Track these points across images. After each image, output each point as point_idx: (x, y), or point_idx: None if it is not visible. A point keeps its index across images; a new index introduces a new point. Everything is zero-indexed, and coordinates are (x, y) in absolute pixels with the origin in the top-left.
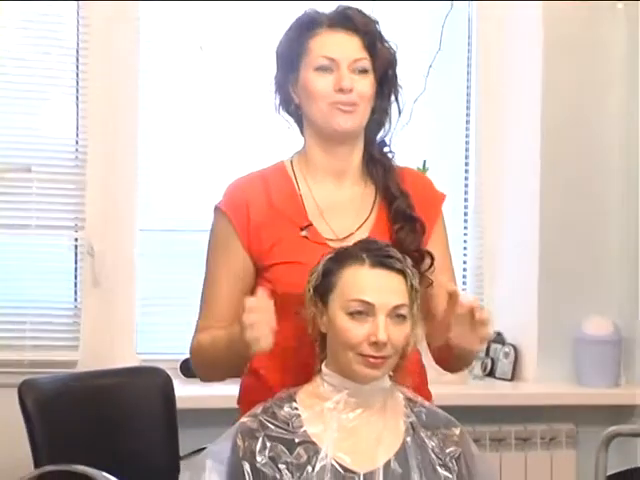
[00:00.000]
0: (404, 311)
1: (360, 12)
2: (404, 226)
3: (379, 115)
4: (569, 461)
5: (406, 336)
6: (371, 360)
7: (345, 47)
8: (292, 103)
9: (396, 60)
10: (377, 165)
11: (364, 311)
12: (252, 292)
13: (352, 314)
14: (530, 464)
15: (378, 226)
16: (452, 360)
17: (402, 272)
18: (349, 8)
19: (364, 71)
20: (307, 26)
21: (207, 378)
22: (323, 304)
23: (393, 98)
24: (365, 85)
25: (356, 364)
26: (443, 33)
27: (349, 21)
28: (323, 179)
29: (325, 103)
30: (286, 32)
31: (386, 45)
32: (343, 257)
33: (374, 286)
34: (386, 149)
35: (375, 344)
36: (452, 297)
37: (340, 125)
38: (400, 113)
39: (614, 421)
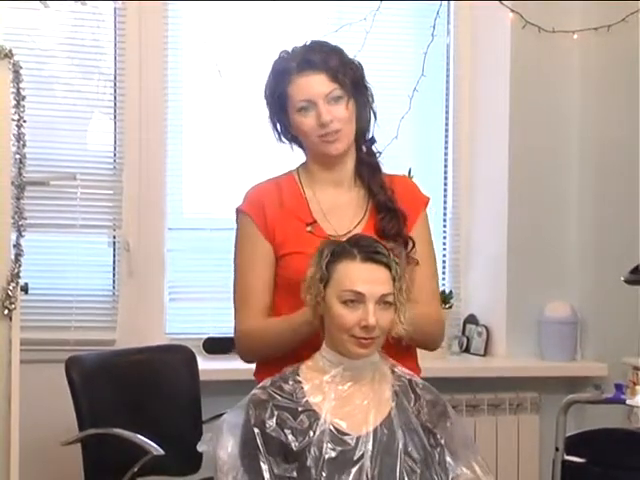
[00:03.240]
0: (390, 299)
1: (321, 49)
2: (386, 215)
3: (362, 123)
4: (533, 424)
5: (391, 320)
6: (362, 341)
7: (315, 86)
8: (289, 134)
9: (362, 74)
10: (365, 165)
11: (356, 300)
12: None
13: (346, 302)
14: (500, 427)
15: (370, 224)
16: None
17: (388, 265)
18: (311, 50)
19: (337, 98)
20: (282, 74)
21: (253, 359)
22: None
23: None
24: (341, 110)
25: (349, 344)
26: (425, 61)
27: (312, 63)
28: (324, 186)
29: (314, 137)
30: (267, 80)
31: (349, 67)
32: (337, 252)
33: (364, 278)
34: (373, 147)
35: (365, 327)
36: None
37: (331, 152)
38: (375, 116)
39: (572, 390)
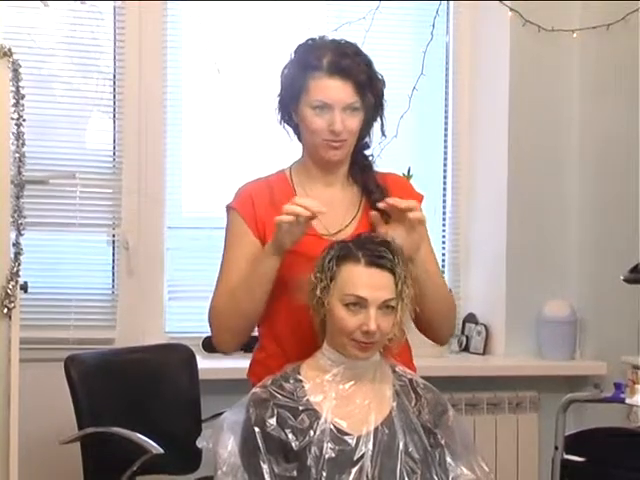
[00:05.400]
0: (392, 304)
1: (355, 56)
2: (381, 214)
3: (364, 131)
4: (532, 423)
5: (393, 324)
6: (362, 345)
7: (339, 93)
8: (292, 121)
9: (383, 91)
10: (358, 166)
11: (358, 304)
12: None
13: (348, 306)
14: (499, 426)
15: (363, 222)
16: (434, 323)
17: (392, 270)
18: (344, 54)
19: (354, 109)
20: (308, 67)
21: (224, 335)
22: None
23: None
24: (354, 122)
25: (350, 347)
26: (425, 59)
27: (343, 70)
28: (317, 184)
29: (319, 138)
30: (290, 62)
31: (375, 84)
32: (342, 254)
33: (367, 283)
34: (368, 152)
35: (366, 332)
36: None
37: (330, 158)
38: (384, 134)
39: (571, 389)
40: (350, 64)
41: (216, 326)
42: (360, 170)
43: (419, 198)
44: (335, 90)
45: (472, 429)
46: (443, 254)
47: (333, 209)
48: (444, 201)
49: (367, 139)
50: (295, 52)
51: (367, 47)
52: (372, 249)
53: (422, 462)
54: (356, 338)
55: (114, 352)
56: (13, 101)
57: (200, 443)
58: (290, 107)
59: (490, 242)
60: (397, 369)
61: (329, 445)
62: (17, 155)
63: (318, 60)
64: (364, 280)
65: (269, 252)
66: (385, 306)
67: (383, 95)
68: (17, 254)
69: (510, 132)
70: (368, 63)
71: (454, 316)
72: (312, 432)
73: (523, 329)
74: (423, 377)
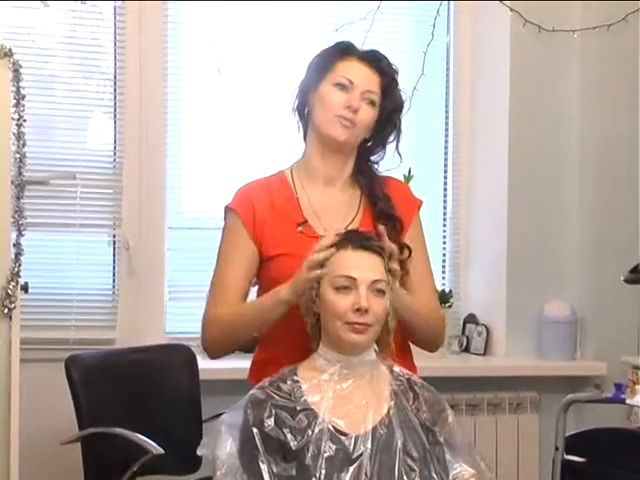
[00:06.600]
0: (382, 286)
1: (385, 59)
2: (385, 223)
3: (374, 146)
4: (533, 424)
5: (385, 308)
6: (356, 326)
7: (364, 78)
8: (306, 108)
9: (401, 110)
10: (364, 174)
11: (348, 285)
12: (256, 277)
13: (338, 289)
14: (500, 426)
15: (363, 224)
16: (421, 340)
17: (380, 253)
18: (378, 53)
19: (372, 103)
20: (341, 51)
21: (218, 348)
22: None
23: (392, 138)
24: (367, 114)
25: (344, 332)
26: (426, 60)
27: (377, 61)
28: (317, 183)
29: (332, 114)
30: (322, 50)
31: (397, 93)
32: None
33: (356, 264)
34: (374, 158)
35: (358, 310)
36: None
37: (337, 135)
38: (401, 158)
39: (571, 390)
40: (381, 58)
41: (210, 339)
42: (367, 177)
43: (418, 204)
44: (362, 73)
45: (472, 430)
46: (444, 254)
47: (332, 210)
48: (444, 201)
49: (376, 153)
50: (330, 46)
51: (367, 47)
52: (359, 234)
53: (421, 460)
54: (349, 320)
55: (115, 352)
56: (14, 101)
57: (200, 451)
58: (310, 90)
59: (490, 242)
60: (395, 369)
61: (327, 444)
62: (18, 155)
63: (351, 48)
64: (353, 261)
65: (284, 300)
66: (375, 288)
67: (400, 111)
68: (18, 254)
69: (510, 132)
70: (396, 72)
71: (443, 330)
72: (310, 431)
73: (523, 329)
74: (423, 377)
